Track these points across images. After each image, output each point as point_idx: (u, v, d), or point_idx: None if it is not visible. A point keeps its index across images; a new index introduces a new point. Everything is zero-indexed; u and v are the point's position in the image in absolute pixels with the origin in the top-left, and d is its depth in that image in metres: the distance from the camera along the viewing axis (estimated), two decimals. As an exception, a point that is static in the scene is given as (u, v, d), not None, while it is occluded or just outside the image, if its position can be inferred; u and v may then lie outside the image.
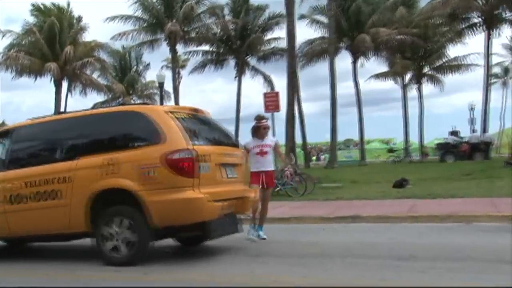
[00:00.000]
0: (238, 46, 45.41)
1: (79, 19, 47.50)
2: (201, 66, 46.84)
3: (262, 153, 9.22)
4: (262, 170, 9.17)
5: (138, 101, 55.32)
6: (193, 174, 7.03)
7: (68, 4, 47.16)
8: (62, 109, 46.12)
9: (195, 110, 8.45)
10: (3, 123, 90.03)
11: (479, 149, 35.54)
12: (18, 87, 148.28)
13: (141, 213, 7.06)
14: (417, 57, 46.08)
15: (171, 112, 7.60)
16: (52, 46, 43.59)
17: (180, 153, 7.02)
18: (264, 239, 9.02)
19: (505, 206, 11.30)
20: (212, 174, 7.48)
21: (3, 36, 42.76)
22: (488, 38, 40.00)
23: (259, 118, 9.60)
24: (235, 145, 8.87)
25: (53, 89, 45.04)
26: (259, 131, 9.32)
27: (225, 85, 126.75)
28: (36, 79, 45.12)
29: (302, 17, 42.24)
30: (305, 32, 44.03)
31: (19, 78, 44.63)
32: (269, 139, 9.55)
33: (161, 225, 7.12)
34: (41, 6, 45.49)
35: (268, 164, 9.39)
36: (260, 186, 9.13)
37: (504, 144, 40.12)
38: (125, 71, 56.13)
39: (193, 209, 7.09)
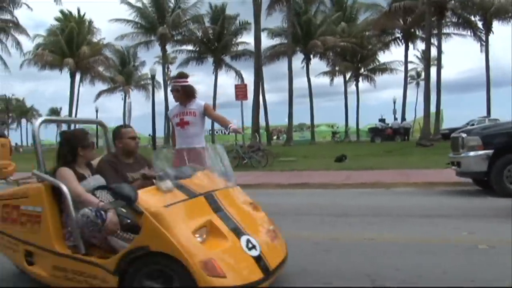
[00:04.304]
0: (215, 47, 45.33)
1: (90, 22, 47.51)
2: (186, 62, 46.74)
3: (182, 124, 5.34)
4: (182, 148, 5.21)
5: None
6: None
7: (79, 12, 47.20)
8: (75, 96, 46.24)
9: None
10: (31, 107, 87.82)
11: (399, 133, 36.49)
12: (42, 78, 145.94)
13: None
14: (356, 60, 46.77)
15: None
16: (70, 45, 43.58)
17: None
18: None
19: (414, 176, 11.72)
20: None
21: (34, 39, 43.47)
22: (406, 49, 41.34)
23: (176, 76, 5.73)
24: None
25: (69, 80, 44.98)
26: (173, 94, 5.52)
27: (204, 78, 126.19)
28: (61, 72, 45.77)
29: (270, 32, 42.69)
30: (269, 38, 44.02)
31: (43, 71, 45.03)
32: (193, 105, 5.40)
33: None
34: (64, 13, 45.82)
35: (191, 138, 5.33)
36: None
37: (417, 129, 41.20)
38: (124, 65, 55.44)
39: None
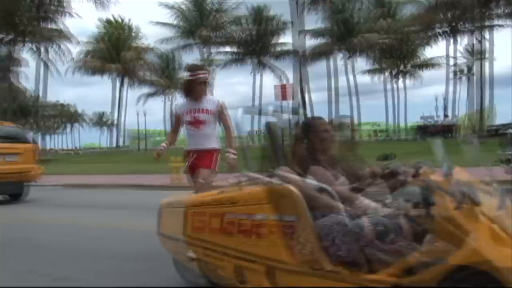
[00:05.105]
0: (255, 48, 45.60)
1: (134, 29, 49.26)
2: (226, 63, 47.32)
3: (196, 123, 4.76)
4: (194, 149, 4.81)
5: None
6: None
7: (115, 19, 48.89)
8: (122, 100, 47.84)
9: None
10: (78, 112, 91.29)
11: (444, 130, 35.68)
12: (87, 84, 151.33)
13: None
14: (398, 57, 46.02)
15: None
16: (114, 51, 45.17)
17: None
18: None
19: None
20: None
21: (79, 46, 45.38)
22: (453, 43, 40.33)
23: (193, 68, 5.01)
24: (17, 141, 10.82)
25: (113, 84, 46.58)
26: (193, 88, 4.76)
27: (245, 79, 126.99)
28: (107, 77, 48.41)
29: (311, 32, 42.60)
30: (309, 38, 43.71)
31: (88, 76, 47.10)
32: (209, 101, 4.83)
33: None
34: (107, 20, 47.88)
35: (205, 139, 4.80)
36: (189, 175, 4.89)
37: (463, 126, 40.17)
38: (166, 68, 56.59)
39: None
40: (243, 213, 3.02)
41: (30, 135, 12.70)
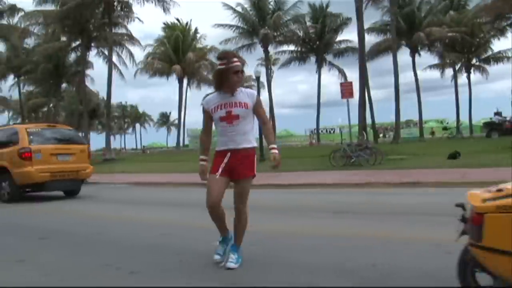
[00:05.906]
0: (317, 45, 45.27)
1: (196, 30, 50.42)
2: (288, 62, 47.44)
3: (230, 118, 4.14)
4: (229, 149, 4.17)
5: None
6: (30, 159, 10.94)
7: (179, 21, 50.11)
8: (183, 101, 48.97)
9: (50, 125, 12.83)
10: (143, 113, 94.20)
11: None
12: (152, 85, 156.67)
13: (11, 178, 11.06)
14: (466, 50, 43.94)
15: (28, 128, 11.53)
16: (177, 53, 46.67)
17: (24, 149, 10.97)
18: (230, 269, 4.15)
19: (543, 174, 10.79)
20: (44, 159, 11.11)
21: (144, 49, 46.26)
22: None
23: (226, 55, 4.31)
24: (71, 143, 12.01)
25: (177, 85, 47.90)
26: (227, 78, 4.13)
27: (307, 77, 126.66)
28: (168, 78, 49.81)
29: (373, 29, 41.53)
30: (371, 35, 42.74)
31: (153, 78, 48.53)
32: (245, 93, 4.26)
33: (19, 183, 11.10)
34: (169, 23, 49.32)
35: (241, 137, 4.19)
36: (219, 174, 4.15)
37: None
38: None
39: (29, 176, 11.00)
40: None
41: (82, 136, 13.61)
